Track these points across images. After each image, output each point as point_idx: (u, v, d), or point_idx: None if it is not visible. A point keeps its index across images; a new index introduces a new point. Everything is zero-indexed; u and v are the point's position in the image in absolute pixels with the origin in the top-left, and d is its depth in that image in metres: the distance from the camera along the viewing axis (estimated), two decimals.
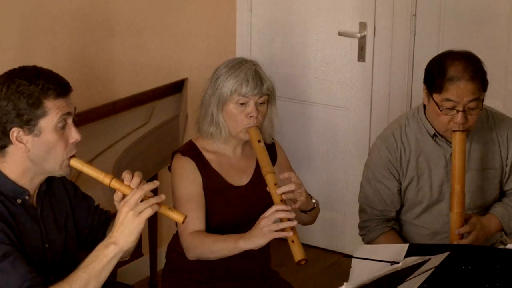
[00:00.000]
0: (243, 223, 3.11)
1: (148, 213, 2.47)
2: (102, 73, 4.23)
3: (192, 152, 3.13)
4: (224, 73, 3.07)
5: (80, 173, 3.57)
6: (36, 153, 2.54)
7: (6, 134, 2.52)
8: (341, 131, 4.82)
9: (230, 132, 3.09)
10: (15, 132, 2.51)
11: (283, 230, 2.82)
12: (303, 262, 2.78)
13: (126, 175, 2.55)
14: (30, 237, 2.59)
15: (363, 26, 4.61)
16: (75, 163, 2.59)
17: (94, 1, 4.12)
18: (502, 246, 3.40)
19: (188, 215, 3.01)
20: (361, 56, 4.65)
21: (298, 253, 2.78)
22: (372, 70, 4.65)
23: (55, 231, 2.68)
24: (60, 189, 2.74)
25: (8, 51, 3.78)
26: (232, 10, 4.92)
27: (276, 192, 2.88)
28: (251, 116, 3.04)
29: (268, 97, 3.09)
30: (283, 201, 2.87)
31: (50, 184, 2.70)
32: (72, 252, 2.75)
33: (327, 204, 4.92)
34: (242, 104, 3.04)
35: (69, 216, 2.75)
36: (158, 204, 2.49)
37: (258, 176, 3.14)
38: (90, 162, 3.70)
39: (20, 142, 2.52)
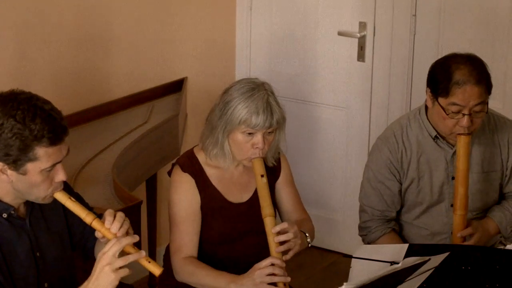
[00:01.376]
0: (241, 239, 3.10)
1: (124, 273, 2.44)
2: (101, 72, 4.22)
3: (192, 167, 3.07)
4: (235, 99, 2.96)
5: (79, 172, 3.58)
6: (19, 186, 2.50)
7: None
8: (341, 131, 4.81)
9: (233, 157, 3.03)
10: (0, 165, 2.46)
11: (275, 284, 2.85)
12: None
13: (107, 217, 2.51)
14: (17, 251, 2.56)
15: (363, 26, 4.60)
16: (60, 197, 2.55)
17: (95, 1, 4.12)
18: (502, 247, 3.40)
19: (182, 238, 3.04)
20: (360, 56, 4.65)
21: None
22: (372, 70, 4.65)
23: (47, 238, 2.65)
24: None
25: (6, 51, 3.78)
26: (232, 9, 4.92)
27: (273, 237, 2.88)
28: (257, 147, 2.97)
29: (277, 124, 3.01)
30: (279, 250, 2.88)
31: None
32: (66, 256, 2.73)
33: (326, 204, 4.92)
34: (249, 134, 2.96)
35: (62, 220, 2.72)
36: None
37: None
38: (90, 160, 3.70)
39: (4, 173, 2.47)
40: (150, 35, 4.43)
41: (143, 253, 2.48)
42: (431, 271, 2.63)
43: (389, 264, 2.63)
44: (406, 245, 2.74)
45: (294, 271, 4.61)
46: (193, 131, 4.50)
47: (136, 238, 2.49)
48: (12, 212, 2.55)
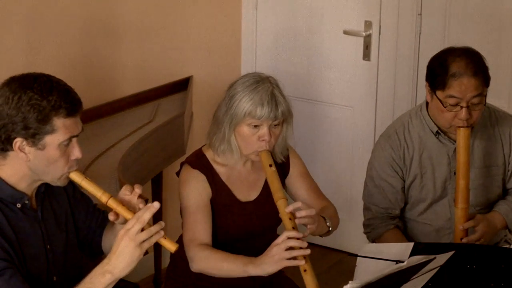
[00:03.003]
0: (250, 238, 3.09)
1: (149, 244, 2.47)
2: (107, 71, 4.23)
3: (202, 164, 3.07)
4: (239, 92, 2.97)
5: (85, 170, 3.58)
6: (37, 164, 2.52)
7: (9, 141, 2.49)
8: (346, 129, 4.82)
9: (241, 152, 3.03)
10: (18, 142, 2.48)
11: (295, 258, 2.76)
12: None
13: (124, 190, 2.57)
14: (31, 241, 2.58)
15: (368, 24, 4.60)
16: (75, 177, 2.57)
17: (100, 0, 4.12)
18: (507, 246, 3.41)
19: (196, 227, 2.99)
20: (366, 55, 4.65)
21: (310, 284, 2.74)
22: (377, 69, 4.65)
23: (57, 231, 2.67)
24: (59, 189, 2.70)
25: (14, 49, 3.79)
26: (237, 8, 4.92)
27: (287, 218, 2.82)
28: (263, 140, 2.97)
29: (283, 117, 3.01)
30: (295, 228, 2.81)
31: (49, 184, 2.66)
32: (74, 250, 2.74)
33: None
34: (255, 126, 2.97)
35: (69, 215, 2.74)
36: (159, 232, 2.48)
37: (267, 191, 3.07)
38: (96, 158, 3.71)
39: (22, 151, 2.50)
40: (156, 34, 4.44)
41: (163, 223, 2.49)
42: (436, 269, 2.64)
43: (395, 262, 2.63)
44: (411, 244, 2.75)
45: (298, 269, 4.63)
46: (199, 130, 4.51)
47: (155, 207, 2.50)
48: (26, 201, 2.57)
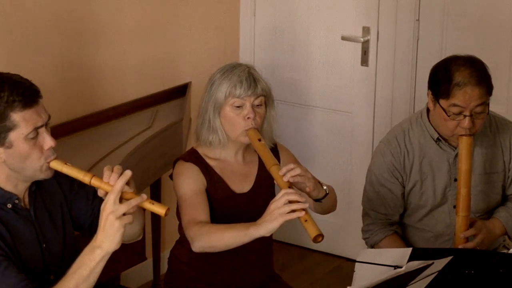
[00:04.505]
0: None
1: (128, 219, 2.43)
2: (105, 77, 4.23)
3: (195, 158, 3.10)
4: (218, 78, 3.05)
5: None
6: (12, 162, 2.51)
7: None
8: (345, 135, 4.82)
9: (229, 137, 3.05)
10: None
11: (294, 211, 2.73)
12: (320, 238, 2.69)
13: (105, 171, 2.51)
14: (24, 240, 2.57)
15: (366, 30, 4.61)
16: (55, 165, 2.54)
17: (98, 5, 4.13)
18: (505, 251, 3.41)
19: (194, 208, 2.98)
20: (364, 61, 4.65)
21: (313, 230, 2.69)
22: (376, 74, 4.65)
23: (52, 229, 2.66)
24: (52, 185, 2.69)
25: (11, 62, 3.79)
26: (235, 14, 4.93)
27: (283, 180, 2.82)
28: (248, 118, 3.00)
29: (265, 98, 3.06)
30: (290, 187, 2.81)
31: (41, 182, 2.65)
32: (71, 247, 2.72)
33: None
34: (238, 107, 3.01)
35: (65, 211, 2.73)
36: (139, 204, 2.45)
37: (260, 183, 3.13)
38: (94, 165, 3.71)
39: None
40: (154, 40, 4.44)
41: (145, 196, 2.46)
42: (434, 275, 2.64)
43: (393, 268, 2.63)
44: (409, 249, 2.75)
45: (298, 275, 4.63)
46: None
47: (127, 175, 2.46)
48: (16, 201, 2.57)
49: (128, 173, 2.47)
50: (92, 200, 2.79)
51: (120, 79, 4.30)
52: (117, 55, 4.27)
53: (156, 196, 4.32)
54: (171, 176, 3.15)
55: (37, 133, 2.51)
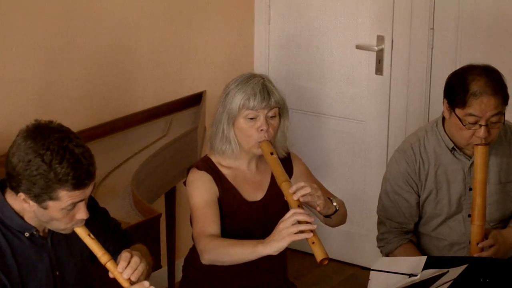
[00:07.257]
0: (258, 238, 3.09)
1: None
2: (121, 86, 4.25)
3: (208, 166, 3.11)
4: (232, 89, 3.06)
5: (98, 185, 3.61)
6: (40, 216, 2.51)
7: (16, 190, 2.47)
8: (359, 144, 4.82)
9: (242, 148, 3.06)
10: (22, 196, 2.46)
11: (302, 232, 2.74)
12: (326, 262, 2.70)
13: (121, 261, 2.53)
14: (36, 269, 2.57)
15: (380, 39, 4.62)
16: (79, 232, 2.55)
17: (114, 17, 4.15)
18: None
19: (204, 220, 3.01)
20: (378, 70, 4.66)
21: (319, 253, 2.71)
22: (390, 83, 4.66)
23: (68, 256, 2.66)
24: None
25: (32, 63, 3.82)
26: (250, 24, 4.94)
27: (293, 198, 2.84)
28: (261, 130, 3.01)
29: (278, 110, 3.06)
30: (300, 206, 2.83)
31: None
32: (86, 274, 2.73)
33: None
34: (252, 119, 3.02)
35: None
36: None
37: (272, 192, 3.12)
38: (110, 173, 3.73)
39: (26, 203, 2.48)
40: (169, 49, 4.46)
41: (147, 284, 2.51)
42: (449, 283, 2.63)
43: (408, 276, 2.63)
44: (424, 257, 2.74)
45: (313, 284, 4.63)
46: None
47: (145, 286, 2.51)
48: (35, 232, 2.57)
49: (146, 285, 2.52)
50: (110, 239, 2.78)
51: (136, 88, 4.32)
52: (133, 64, 4.29)
53: (170, 204, 4.33)
54: (185, 182, 3.17)
55: (74, 205, 2.50)
